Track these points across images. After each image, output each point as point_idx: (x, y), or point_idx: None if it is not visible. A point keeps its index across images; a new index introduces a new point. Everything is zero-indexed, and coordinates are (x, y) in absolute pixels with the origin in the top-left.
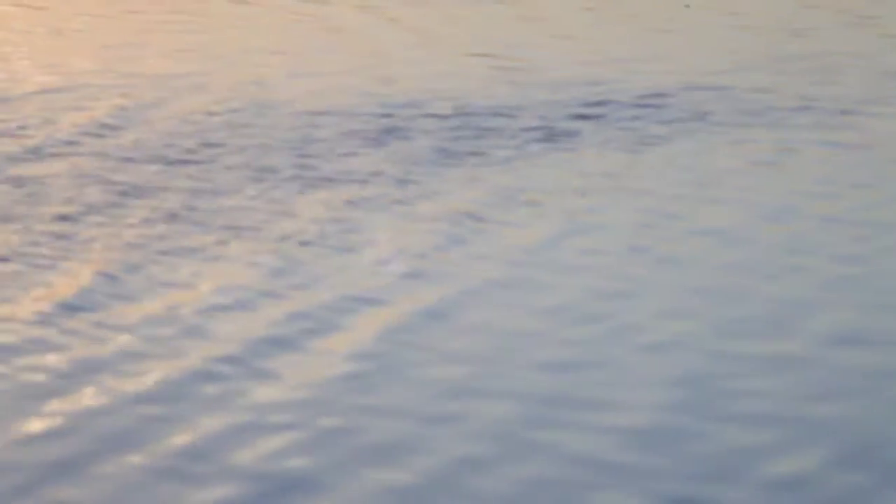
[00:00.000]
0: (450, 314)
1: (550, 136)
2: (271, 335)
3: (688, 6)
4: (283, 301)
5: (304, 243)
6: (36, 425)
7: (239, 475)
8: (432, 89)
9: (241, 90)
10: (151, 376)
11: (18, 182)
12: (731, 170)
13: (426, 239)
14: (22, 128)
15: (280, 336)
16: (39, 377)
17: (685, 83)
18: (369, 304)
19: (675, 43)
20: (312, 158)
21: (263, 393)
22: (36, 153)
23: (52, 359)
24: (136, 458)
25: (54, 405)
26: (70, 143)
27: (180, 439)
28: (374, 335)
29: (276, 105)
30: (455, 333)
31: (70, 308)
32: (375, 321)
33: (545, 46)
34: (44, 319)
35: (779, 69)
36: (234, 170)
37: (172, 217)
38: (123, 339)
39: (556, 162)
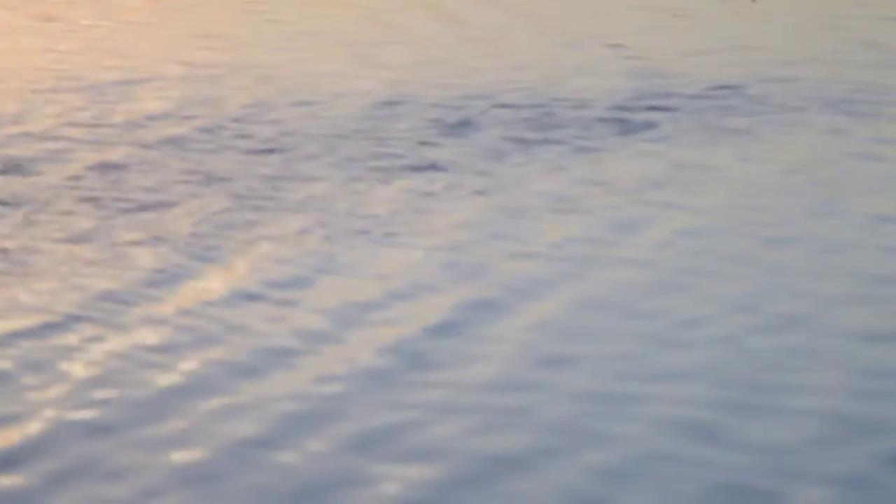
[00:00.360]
0: (603, 300)
1: (636, 127)
2: (438, 321)
3: (755, 0)
4: (440, 290)
5: (430, 232)
6: (221, 406)
7: (427, 455)
8: (514, 79)
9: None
10: (327, 360)
11: (124, 168)
12: (829, 160)
13: (542, 228)
14: (102, 116)
15: (451, 320)
16: (226, 360)
17: (761, 74)
18: (517, 293)
19: (748, 33)
20: (396, 147)
21: (439, 377)
22: (119, 141)
23: (228, 344)
24: (319, 442)
25: (239, 387)
26: (148, 131)
27: (366, 420)
28: (532, 322)
29: (366, 94)
30: (618, 319)
31: (230, 297)
32: (530, 307)
33: (655, 33)
34: (193, 311)
35: (852, 60)
36: (354, 161)
37: (301, 205)
38: (291, 326)
39: (645, 152)
